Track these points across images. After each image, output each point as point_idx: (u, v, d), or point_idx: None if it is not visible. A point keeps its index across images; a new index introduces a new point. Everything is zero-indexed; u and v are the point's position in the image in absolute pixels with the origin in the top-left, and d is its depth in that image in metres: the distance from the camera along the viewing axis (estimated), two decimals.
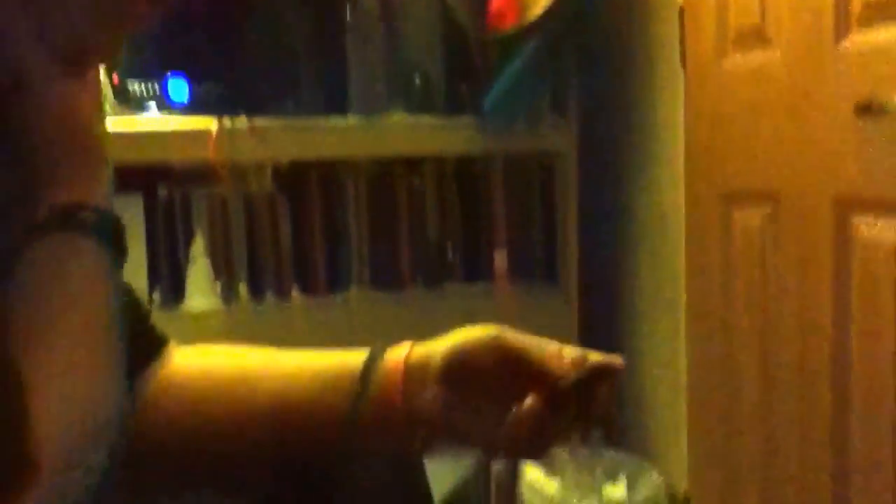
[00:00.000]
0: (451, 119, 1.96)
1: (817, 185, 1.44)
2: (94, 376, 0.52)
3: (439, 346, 0.67)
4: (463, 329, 0.68)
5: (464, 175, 2.03)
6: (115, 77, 1.76)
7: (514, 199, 2.05)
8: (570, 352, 0.66)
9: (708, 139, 1.75)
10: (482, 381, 0.66)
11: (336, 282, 1.93)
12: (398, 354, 0.68)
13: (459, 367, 0.66)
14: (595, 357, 0.66)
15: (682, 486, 1.84)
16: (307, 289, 1.90)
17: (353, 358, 0.69)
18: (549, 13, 1.89)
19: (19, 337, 0.49)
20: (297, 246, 1.91)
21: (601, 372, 0.66)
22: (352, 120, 1.90)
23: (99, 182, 0.55)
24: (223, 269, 1.85)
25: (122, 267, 0.56)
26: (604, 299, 2.15)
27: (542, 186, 2.07)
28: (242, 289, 1.85)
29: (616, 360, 0.66)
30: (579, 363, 0.65)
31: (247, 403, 0.69)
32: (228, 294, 1.85)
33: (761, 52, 1.57)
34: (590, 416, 0.66)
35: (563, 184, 2.05)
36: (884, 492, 1.34)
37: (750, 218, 1.61)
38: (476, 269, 2.02)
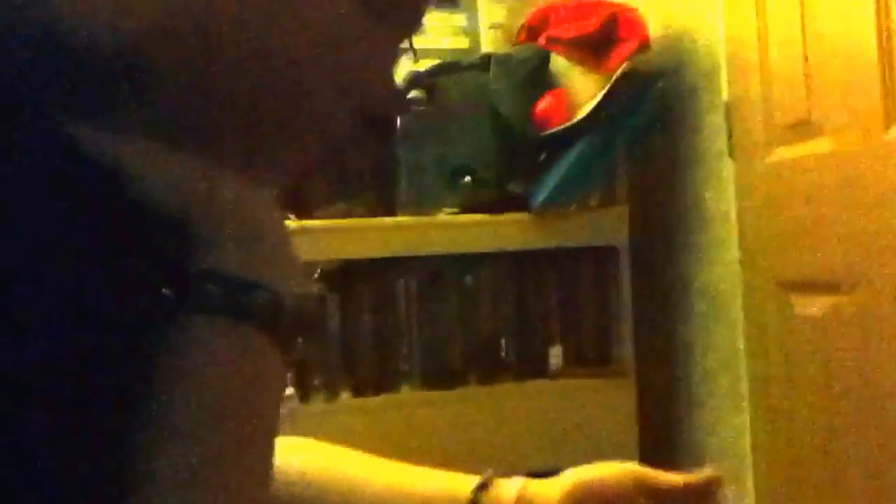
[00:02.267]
0: (502, 216, 1.95)
1: (880, 272, 1.40)
2: None
3: (560, 482, 0.62)
4: (592, 465, 0.63)
5: (516, 271, 2.01)
6: None
7: (568, 293, 2.03)
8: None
9: (762, 228, 1.72)
10: None
11: (387, 381, 1.90)
12: (510, 487, 0.63)
13: None
14: None
15: None
16: (357, 389, 1.88)
17: (459, 484, 0.64)
18: (597, 111, 1.90)
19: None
20: (346, 345, 1.89)
21: None
22: (401, 219, 1.90)
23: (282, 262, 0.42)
24: None
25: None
26: (662, 388, 2.10)
27: (595, 279, 2.04)
28: (290, 390, 1.83)
29: None
30: None
31: None
32: None
33: (810, 142, 1.55)
34: None
35: (616, 276, 2.02)
36: None
37: (810, 306, 1.57)
38: (530, 366, 1.98)
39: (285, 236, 0.43)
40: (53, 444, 0.36)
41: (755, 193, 1.74)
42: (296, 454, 0.67)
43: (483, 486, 0.63)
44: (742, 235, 1.78)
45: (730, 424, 1.88)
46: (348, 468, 0.66)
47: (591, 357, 2.02)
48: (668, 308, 2.10)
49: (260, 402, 0.41)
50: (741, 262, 1.79)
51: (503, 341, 1.98)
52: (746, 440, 1.80)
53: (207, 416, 0.39)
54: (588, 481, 0.62)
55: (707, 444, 1.97)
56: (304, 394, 1.84)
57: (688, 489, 0.62)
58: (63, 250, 0.37)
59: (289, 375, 1.77)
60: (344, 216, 1.87)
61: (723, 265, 1.88)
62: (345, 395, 1.87)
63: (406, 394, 1.90)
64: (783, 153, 1.64)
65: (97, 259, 0.38)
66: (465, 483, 0.63)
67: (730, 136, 1.80)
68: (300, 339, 0.43)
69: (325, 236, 1.82)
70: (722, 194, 1.86)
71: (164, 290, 0.38)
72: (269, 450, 0.42)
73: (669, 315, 2.10)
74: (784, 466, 1.66)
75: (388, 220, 1.90)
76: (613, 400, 1.97)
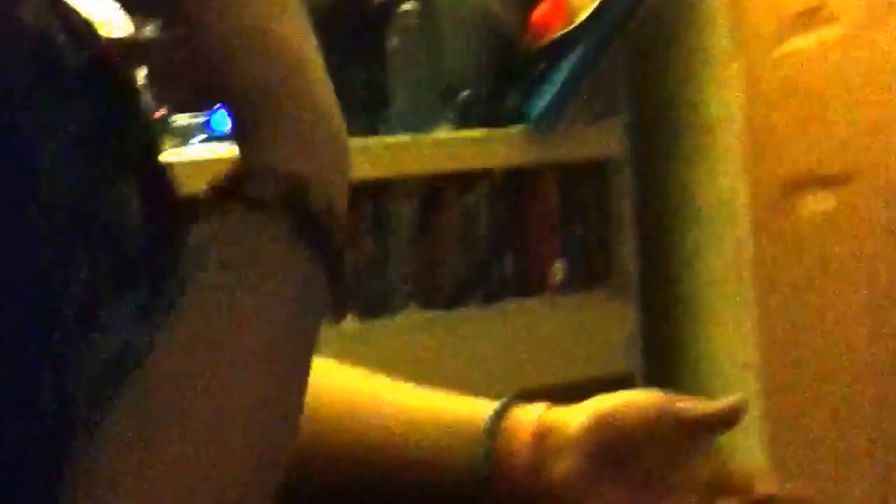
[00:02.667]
0: (499, 131, 1.90)
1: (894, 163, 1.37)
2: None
3: (582, 411, 0.59)
4: (617, 393, 0.60)
5: (514, 188, 1.97)
6: (164, 110, 1.74)
7: (568, 208, 1.99)
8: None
9: (770, 125, 1.68)
10: (636, 456, 0.58)
11: (388, 304, 1.88)
12: (530, 414, 0.60)
13: (608, 436, 0.58)
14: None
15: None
16: (358, 312, 1.86)
17: (475, 410, 0.61)
18: (595, 15, 1.83)
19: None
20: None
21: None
22: (394, 138, 1.85)
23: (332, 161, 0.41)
24: None
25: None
26: (665, 299, 2.08)
27: (596, 192, 2.00)
28: None
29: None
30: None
31: (354, 435, 0.61)
32: None
33: (822, 29, 1.51)
34: None
35: (618, 187, 1.99)
36: None
37: (819, 204, 1.54)
38: (532, 283, 1.96)
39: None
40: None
41: (763, 89, 1.69)
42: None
43: (500, 413, 0.60)
44: (749, 135, 1.74)
45: (735, 334, 1.87)
46: (356, 387, 0.64)
47: (593, 273, 1.99)
48: (671, 219, 2.08)
49: (304, 323, 0.38)
50: (747, 164, 1.75)
51: (503, 259, 1.95)
52: (752, 348, 1.79)
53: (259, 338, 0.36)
54: (610, 410, 0.59)
55: (711, 354, 1.96)
56: None
57: (714, 416, 0.59)
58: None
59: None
60: None
61: (728, 171, 1.84)
62: (347, 319, 1.85)
63: (407, 316, 1.88)
64: (792, 45, 1.59)
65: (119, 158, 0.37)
66: (482, 409, 0.61)
67: (736, 32, 1.74)
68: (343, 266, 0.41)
69: None
70: (727, 97, 1.81)
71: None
72: (305, 376, 0.40)
73: (673, 226, 2.08)
74: (791, 375, 1.65)
75: (380, 139, 1.85)
76: (616, 315, 1.95)
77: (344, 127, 0.42)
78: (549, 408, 0.60)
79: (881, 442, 1.44)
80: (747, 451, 1.82)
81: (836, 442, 1.55)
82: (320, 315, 0.41)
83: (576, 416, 0.59)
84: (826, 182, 1.52)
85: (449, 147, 1.89)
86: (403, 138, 1.86)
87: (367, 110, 1.87)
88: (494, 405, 0.60)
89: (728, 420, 0.59)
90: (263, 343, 0.37)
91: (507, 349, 1.87)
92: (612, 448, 0.57)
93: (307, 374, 0.40)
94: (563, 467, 0.57)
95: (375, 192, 1.87)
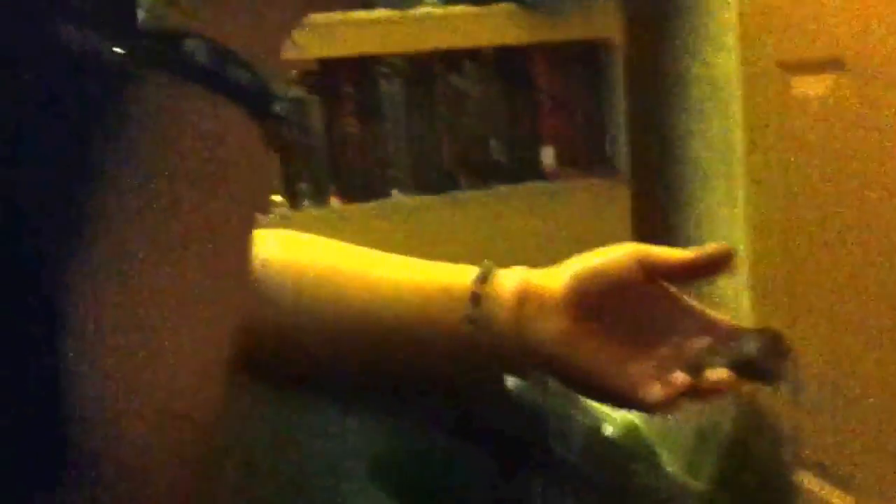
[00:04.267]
0: (489, 7, 1.83)
1: (883, 46, 1.33)
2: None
3: (563, 270, 0.59)
4: (593, 251, 0.59)
5: (506, 68, 1.91)
6: None
7: (560, 90, 1.94)
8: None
9: (764, 5, 1.63)
10: (619, 311, 0.58)
11: (376, 186, 1.85)
12: (511, 277, 0.59)
13: (589, 291, 0.57)
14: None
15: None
16: (346, 195, 1.82)
17: (457, 276, 0.60)
18: None
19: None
20: (333, 150, 1.82)
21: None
22: (381, 13, 1.78)
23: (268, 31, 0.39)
24: None
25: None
26: (657, 182, 2.07)
27: (588, 75, 1.95)
28: (278, 198, 1.77)
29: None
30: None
31: (335, 304, 0.60)
32: None
33: None
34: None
35: (611, 71, 1.93)
36: None
37: (811, 86, 1.51)
38: (522, 167, 1.93)
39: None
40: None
41: None
42: (284, 247, 0.63)
43: (482, 278, 0.59)
44: (742, 15, 1.69)
45: (725, 217, 1.86)
46: (340, 260, 0.62)
47: (584, 157, 1.96)
48: (663, 101, 2.04)
49: (235, 182, 0.37)
50: (741, 44, 1.70)
51: (494, 142, 1.91)
52: (740, 231, 1.78)
53: (182, 185, 0.35)
54: (591, 268, 0.58)
55: (701, 238, 1.96)
56: (293, 200, 1.79)
57: (696, 263, 0.58)
58: None
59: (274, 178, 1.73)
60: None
61: (721, 51, 1.80)
62: (334, 202, 1.82)
63: (396, 199, 1.85)
64: None
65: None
66: (464, 274, 0.60)
67: None
68: (286, 135, 0.39)
69: (300, 34, 1.70)
70: None
71: (113, 48, 0.34)
72: (246, 238, 0.39)
73: (665, 109, 2.04)
74: (780, 256, 1.65)
75: (366, 14, 1.78)
76: (607, 199, 1.93)
77: None
78: (529, 271, 0.60)
79: (870, 301, 1.45)
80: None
81: (823, 305, 1.57)
82: (255, 175, 0.39)
83: (556, 278, 0.58)
84: (819, 67, 1.48)
85: (436, 23, 1.83)
86: (389, 13, 1.80)
87: None
88: (476, 271, 0.59)
89: (709, 267, 0.58)
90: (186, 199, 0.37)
91: (496, 234, 1.85)
92: (593, 306, 0.57)
93: (245, 222, 0.40)
94: (545, 328, 0.57)
95: (361, 72, 1.81)
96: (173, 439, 0.37)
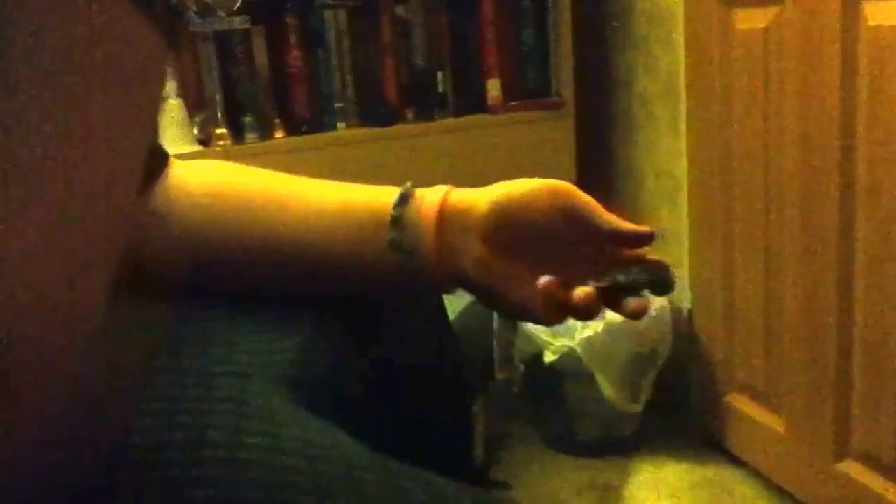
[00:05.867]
0: None
1: None
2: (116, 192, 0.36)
3: (484, 196, 0.60)
4: (516, 180, 0.60)
5: (450, 1, 1.89)
6: None
7: (506, 23, 1.92)
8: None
9: None
10: (532, 240, 0.59)
11: (321, 119, 1.83)
12: (432, 200, 0.60)
13: (507, 222, 0.59)
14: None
15: (686, 303, 1.82)
16: (291, 128, 1.80)
17: (379, 197, 0.60)
18: None
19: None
20: (277, 83, 1.79)
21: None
22: None
23: None
24: (198, 110, 1.74)
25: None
26: (601, 117, 2.08)
27: (533, 7, 1.94)
28: (221, 130, 1.75)
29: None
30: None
31: (267, 225, 0.60)
32: (206, 135, 1.75)
33: None
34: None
35: (557, 2, 1.92)
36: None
37: (753, 20, 1.52)
38: (468, 100, 1.92)
39: None
40: None
41: None
42: (208, 174, 0.63)
43: (404, 199, 0.59)
44: None
45: (667, 147, 1.88)
46: (265, 185, 0.62)
47: (529, 90, 1.96)
48: (608, 35, 2.03)
49: (114, 66, 0.34)
50: None
51: (440, 75, 1.90)
52: (683, 162, 1.81)
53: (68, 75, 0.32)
54: (510, 198, 0.59)
55: (644, 168, 1.98)
56: (237, 133, 1.77)
57: (616, 233, 0.59)
58: None
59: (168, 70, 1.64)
60: None
61: None
62: (279, 135, 1.80)
63: (342, 132, 1.84)
64: None
65: None
66: (386, 195, 0.60)
67: None
68: (176, 22, 0.36)
69: None
70: None
71: None
72: (133, 140, 0.37)
73: (610, 43, 2.04)
74: (718, 187, 1.68)
75: None
76: (553, 132, 1.94)
77: None
78: (451, 191, 0.60)
79: (803, 230, 1.49)
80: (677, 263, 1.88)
81: (757, 233, 1.61)
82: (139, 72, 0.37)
83: (483, 196, 0.59)
84: (760, 0, 1.49)
85: None
86: None
87: None
88: (396, 192, 0.60)
89: (628, 242, 0.60)
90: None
91: (442, 167, 1.86)
92: (508, 231, 0.59)
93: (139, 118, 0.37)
94: (465, 252, 0.59)
95: (305, 2, 1.78)
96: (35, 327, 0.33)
